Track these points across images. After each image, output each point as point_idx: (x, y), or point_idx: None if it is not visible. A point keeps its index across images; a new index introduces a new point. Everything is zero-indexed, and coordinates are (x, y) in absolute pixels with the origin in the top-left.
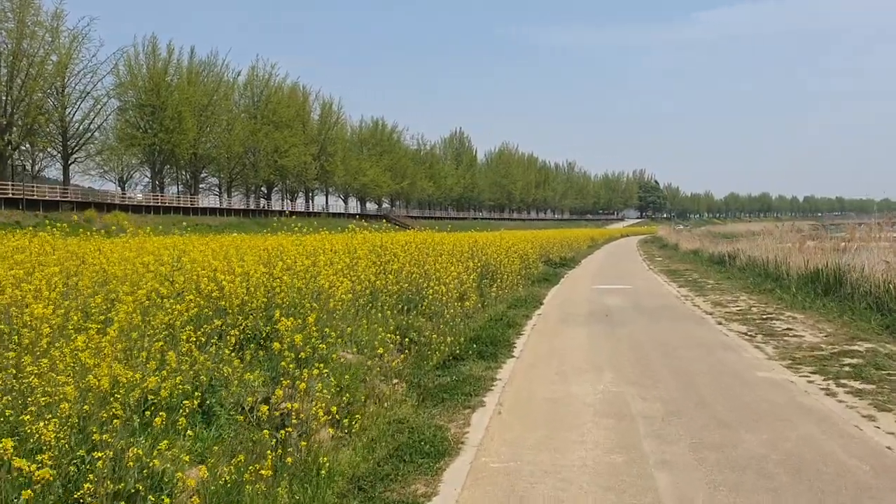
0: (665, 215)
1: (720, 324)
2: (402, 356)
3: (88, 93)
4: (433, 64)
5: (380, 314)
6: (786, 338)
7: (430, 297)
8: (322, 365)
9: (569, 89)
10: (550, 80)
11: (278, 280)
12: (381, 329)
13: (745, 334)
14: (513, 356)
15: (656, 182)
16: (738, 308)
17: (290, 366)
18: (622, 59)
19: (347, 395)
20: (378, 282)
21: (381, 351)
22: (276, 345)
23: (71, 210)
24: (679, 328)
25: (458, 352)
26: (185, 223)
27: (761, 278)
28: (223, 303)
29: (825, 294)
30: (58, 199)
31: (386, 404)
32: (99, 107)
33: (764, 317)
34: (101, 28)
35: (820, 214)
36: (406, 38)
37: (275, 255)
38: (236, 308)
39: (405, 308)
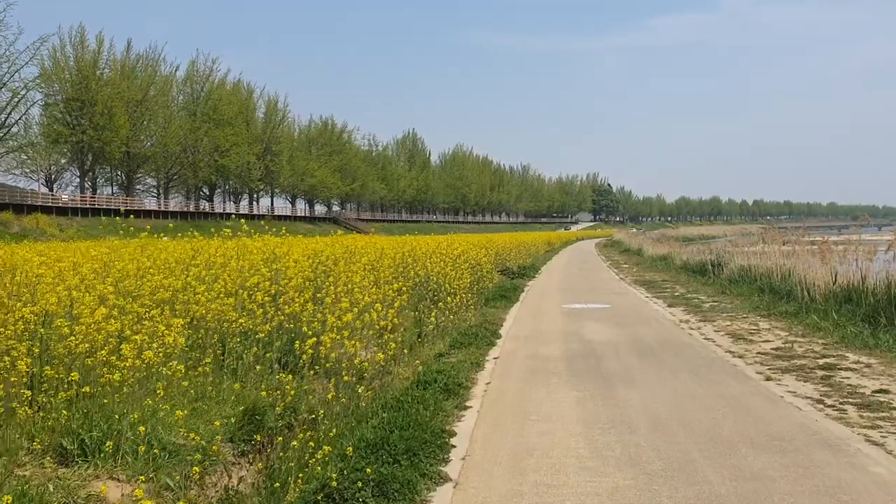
0: (618, 218)
1: (768, 379)
2: (253, 466)
3: (5, 84)
4: (387, 64)
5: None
6: (894, 411)
7: (310, 346)
8: None
9: (523, 92)
10: (505, 83)
11: None
12: (213, 412)
13: (823, 403)
14: (448, 478)
15: (609, 185)
16: (771, 345)
17: None
18: (574, 63)
19: None
20: (234, 319)
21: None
22: None
23: None
24: (714, 390)
25: (335, 481)
26: (114, 226)
27: (769, 295)
28: None
29: (889, 324)
30: None
31: None
32: (17, 100)
33: (820, 361)
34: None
35: (769, 218)
36: (362, 39)
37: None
38: None
39: (280, 361)
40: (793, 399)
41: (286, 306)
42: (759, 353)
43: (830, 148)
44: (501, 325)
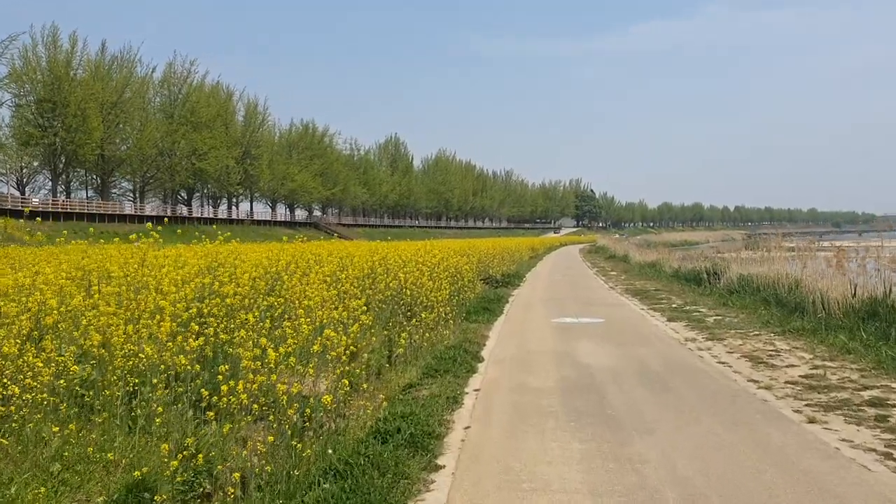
0: (601, 224)
1: (812, 421)
2: None
3: None
4: (387, 65)
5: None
6: None
7: (226, 391)
8: None
9: (507, 97)
10: (489, 87)
11: None
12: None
13: (893, 459)
14: None
15: (592, 191)
16: (798, 371)
17: None
18: (559, 69)
19: None
20: (136, 353)
21: None
22: None
23: None
24: (749, 438)
25: None
26: (88, 231)
27: (777, 308)
28: None
29: None
30: None
31: None
32: None
33: (864, 395)
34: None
35: (750, 224)
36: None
37: None
38: None
39: (202, 405)
40: (853, 453)
41: (204, 333)
42: (787, 382)
43: (829, 149)
44: (484, 345)
